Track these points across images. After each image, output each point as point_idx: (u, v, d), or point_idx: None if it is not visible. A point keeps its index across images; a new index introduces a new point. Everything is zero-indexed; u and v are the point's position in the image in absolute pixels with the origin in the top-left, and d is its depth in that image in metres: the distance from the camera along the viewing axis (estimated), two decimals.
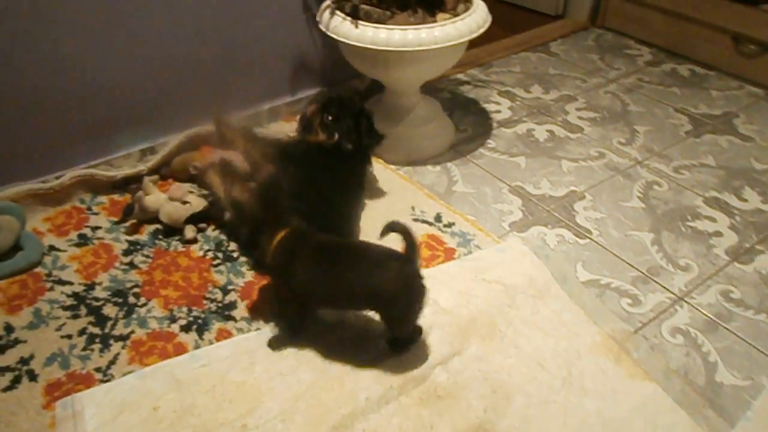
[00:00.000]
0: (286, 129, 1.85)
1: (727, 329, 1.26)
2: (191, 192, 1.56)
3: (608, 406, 1.13)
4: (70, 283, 1.40)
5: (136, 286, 1.40)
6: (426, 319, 1.27)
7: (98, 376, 1.20)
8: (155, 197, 1.55)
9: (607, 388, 1.17)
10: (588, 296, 1.35)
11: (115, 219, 1.57)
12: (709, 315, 1.30)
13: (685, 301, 1.32)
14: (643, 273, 1.40)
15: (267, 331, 1.27)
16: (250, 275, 1.41)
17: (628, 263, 1.43)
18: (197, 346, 1.25)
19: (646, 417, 1.12)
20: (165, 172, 1.68)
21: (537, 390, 1.16)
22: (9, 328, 1.30)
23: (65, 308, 1.34)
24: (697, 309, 1.31)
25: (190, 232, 1.52)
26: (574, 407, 1.13)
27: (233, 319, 1.31)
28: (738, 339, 1.24)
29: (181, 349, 1.25)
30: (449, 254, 1.46)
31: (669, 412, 1.12)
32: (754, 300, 1.33)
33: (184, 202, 1.53)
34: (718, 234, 1.51)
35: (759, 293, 1.34)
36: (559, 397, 1.15)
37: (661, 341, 1.24)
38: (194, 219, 1.53)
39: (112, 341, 1.27)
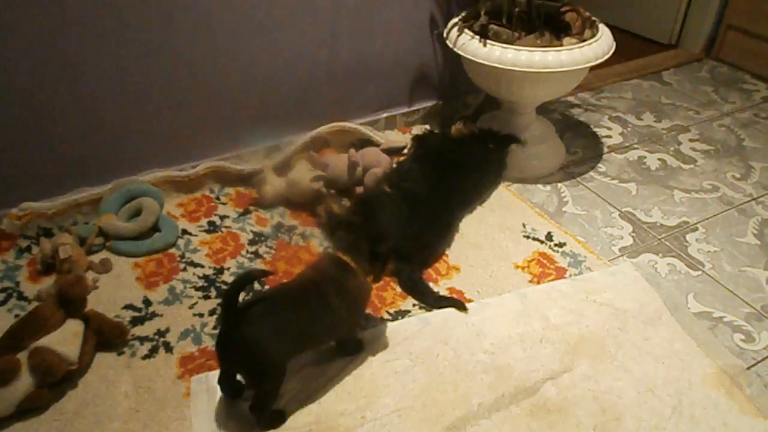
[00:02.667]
0: (401, 138, 1.98)
1: None
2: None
3: None
4: (201, 266, 1.55)
5: (263, 273, 1.53)
6: (536, 333, 1.34)
7: None
8: (274, 182, 1.72)
9: (718, 422, 1.19)
10: (700, 328, 1.37)
11: (241, 210, 1.72)
12: None
13: None
14: (756, 310, 1.41)
15: (382, 328, 1.36)
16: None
17: (741, 299, 1.44)
18: None
19: None
20: (285, 171, 1.82)
21: (648, 415, 1.20)
22: (147, 302, 1.45)
23: (197, 288, 1.49)
24: None
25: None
26: None
27: None
28: None
29: None
30: (560, 273, 1.52)
31: None
32: None
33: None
34: None
35: None
36: (669, 424, 1.18)
37: None
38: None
39: None
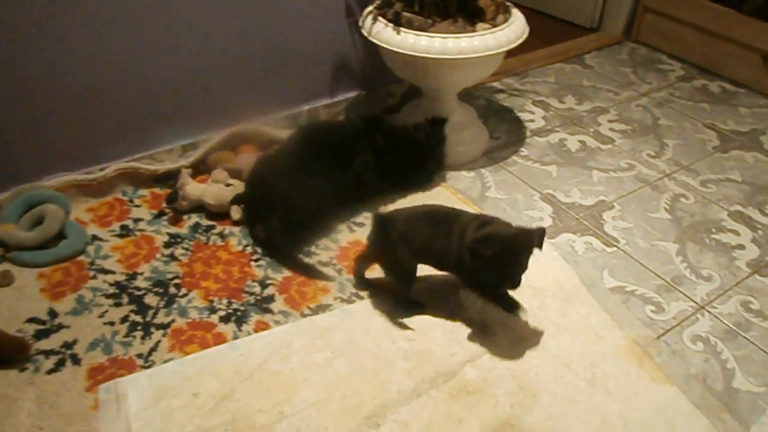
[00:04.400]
0: None
1: (746, 338, 1.38)
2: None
3: (630, 407, 1.25)
4: (113, 272, 1.55)
5: (177, 277, 1.54)
6: (458, 316, 1.41)
7: (139, 362, 1.33)
8: (195, 185, 1.71)
9: (629, 391, 1.29)
10: (614, 302, 1.47)
11: (156, 212, 1.72)
12: (729, 324, 1.41)
13: (707, 310, 1.44)
14: (667, 282, 1.52)
15: (303, 322, 1.41)
16: (288, 270, 1.56)
17: (653, 272, 1.54)
18: (236, 337, 1.39)
19: (666, 419, 1.23)
20: (202, 168, 1.83)
21: (563, 389, 1.28)
22: (53, 314, 1.44)
23: (108, 296, 1.48)
24: (718, 318, 1.42)
25: (236, 213, 1.68)
26: (597, 407, 1.25)
27: (271, 311, 1.45)
28: (755, 348, 1.35)
29: (220, 339, 1.38)
30: None
31: (688, 415, 1.24)
32: None
33: (228, 185, 1.70)
34: (741, 247, 1.63)
35: None
36: (584, 396, 1.27)
37: (682, 347, 1.35)
38: (238, 201, 1.69)
39: (153, 329, 1.41)
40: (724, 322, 1.41)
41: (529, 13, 1.86)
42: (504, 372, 1.31)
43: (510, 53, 1.78)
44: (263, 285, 1.52)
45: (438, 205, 1.53)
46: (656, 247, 1.62)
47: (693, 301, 1.46)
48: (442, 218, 1.40)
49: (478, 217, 1.39)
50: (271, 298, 1.48)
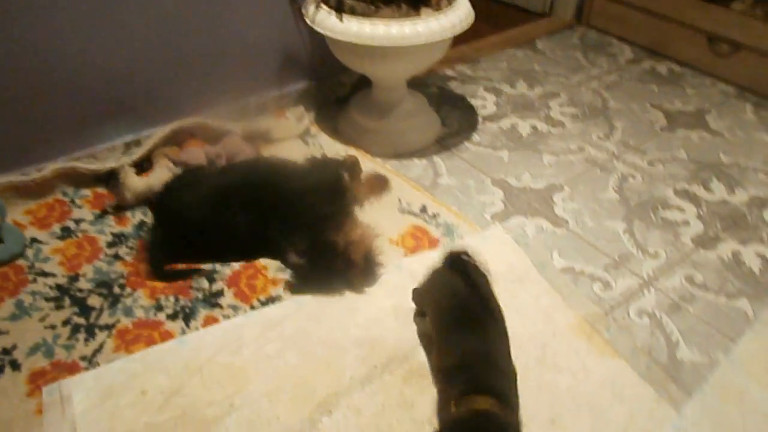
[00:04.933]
0: (275, 125, 2.02)
1: (689, 311, 1.44)
2: None
3: (579, 381, 1.30)
4: (53, 275, 1.53)
5: (122, 276, 1.53)
6: (409, 303, 1.43)
7: (83, 364, 1.32)
8: (140, 178, 1.71)
9: (578, 366, 1.33)
10: (564, 282, 1.52)
11: (99, 212, 1.71)
12: (674, 298, 1.47)
13: (653, 285, 1.50)
14: (614, 260, 1.57)
15: (253, 314, 1.41)
16: (237, 264, 1.56)
17: (601, 251, 1.60)
18: (184, 333, 1.39)
19: (614, 391, 1.28)
20: (146, 166, 1.82)
21: None
22: None
23: (48, 299, 1.47)
24: (663, 292, 1.48)
25: None
26: (547, 384, 1.29)
27: (220, 306, 1.45)
28: (699, 320, 1.42)
29: (167, 337, 1.38)
30: (433, 244, 1.62)
31: (635, 386, 1.29)
32: (715, 284, 1.51)
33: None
34: (686, 223, 1.70)
35: (720, 278, 1.53)
36: (534, 374, 1.31)
37: (629, 322, 1.41)
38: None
39: (97, 330, 1.39)
40: (669, 297, 1.47)
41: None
42: None
43: (460, 39, 1.81)
44: (211, 280, 1.52)
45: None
46: (604, 227, 1.68)
47: (639, 277, 1.52)
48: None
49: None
50: (219, 293, 1.48)
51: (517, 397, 1.13)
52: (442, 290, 1.27)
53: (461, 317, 1.19)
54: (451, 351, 1.18)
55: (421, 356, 1.33)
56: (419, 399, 1.26)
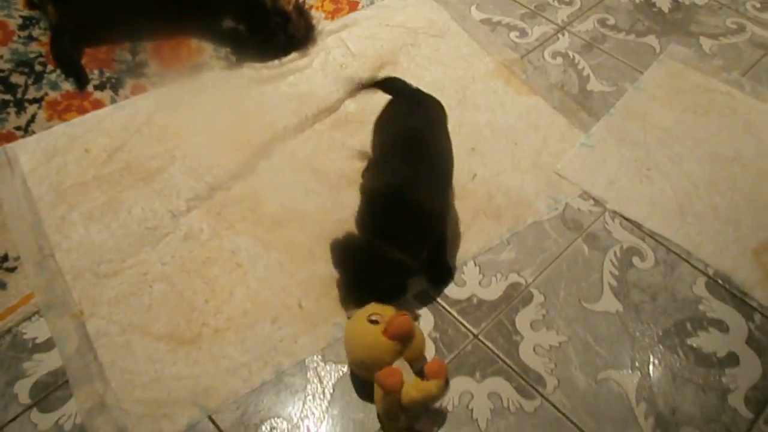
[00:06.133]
0: None
1: (600, 49, 1.61)
2: None
3: (497, 116, 1.47)
4: None
5: (41, 56, 1.56)
6: (336, 60, 1.55)
7: (20, 133, 1.40)
8: None
9: (496, 104, 1.50)
10: (483, 32, 1.64)
11: None
12: (586, 39, 1.63)
13: (567, 30, 1.65)
14: (531, 9, 1.70)
15: (186, 80, 1.50)
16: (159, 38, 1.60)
17: (518, 2, 1.72)
18: (114, 102, 1.47)
19: (529, 122, 1.46)
20: None
21: None
22: None
23: None
24: (576, 35, 1.64)
25: None
26: (467, 119, 1.46)
27: (146, 75, 1.53)
28: (608, 56, 1.59)
29: (99, 105, 1.46)
30: (353, 7, 1.70)
31: (548, 116, 1.47)
32: (626, 24, 1.67)
33: None
34: None
35: (631, 18, 1.69)
36: (455, 113, 1.46)
37: (543, 63, 1.57)
38: None
39: (26, 104, 1.46)
40: (582, 38, 1.63)
41: None
42: (381, 101, 1.48)
43: None
44: (134, 53, 1.57)
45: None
46: None
47: (554, 23, 1.66)
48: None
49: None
50: (144, 64, 1.55)
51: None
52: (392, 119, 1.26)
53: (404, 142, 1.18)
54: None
55: (350, 108, 1.47)
56: (349, 140, 1.41)
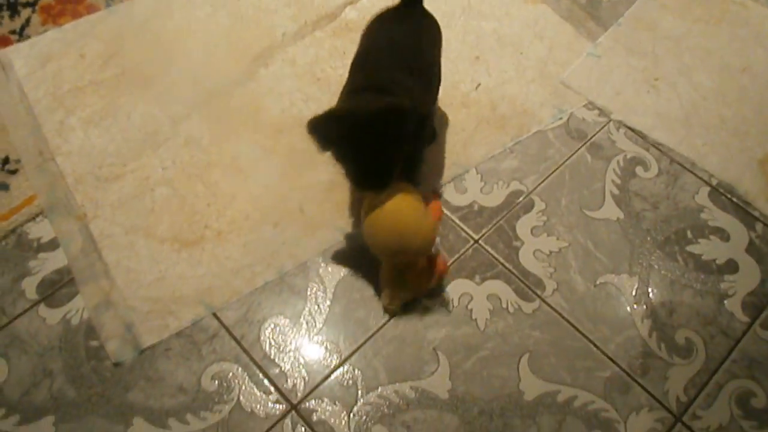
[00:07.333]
0: None
1: None
2: None
3: (503, 25, 1.43)
4: None
5: None
6: None
7: (14, 37, 1.37)
8: None
9: (502, 12, 1.45)
10: None
11: None
12: None
13: None
14: None
15: None
16: None
17: None
18: (109, 6, 1.43)
19: (536, 31, 1.42)
20: None
21: (439, 17, 1.40)
22: None
23: None
24: None
25: None
26: (472, 28, 1.42)
27: None
28: None
29: (93, 10, 1.42)
30: None
31: (555, 26, 1.43)
32: None
33: None
34: None
35: None
36: (460, 21, 1.43)
37: None
38: None
39: (20, 8, 1.42)
40: None
41: None
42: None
43: None
44: None
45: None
46: None
47: None
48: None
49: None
50: None
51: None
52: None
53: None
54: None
55: (350, 14, 1.42)
56: (351, 48, 1.35)
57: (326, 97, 1.28)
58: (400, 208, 0.97)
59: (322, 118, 0.93)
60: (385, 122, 0.92)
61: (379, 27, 1.12)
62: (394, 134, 0.93)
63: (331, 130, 0.93)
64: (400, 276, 1.02)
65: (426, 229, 0.97)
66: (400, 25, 1.10)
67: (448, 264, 1.08)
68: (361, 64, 1.09)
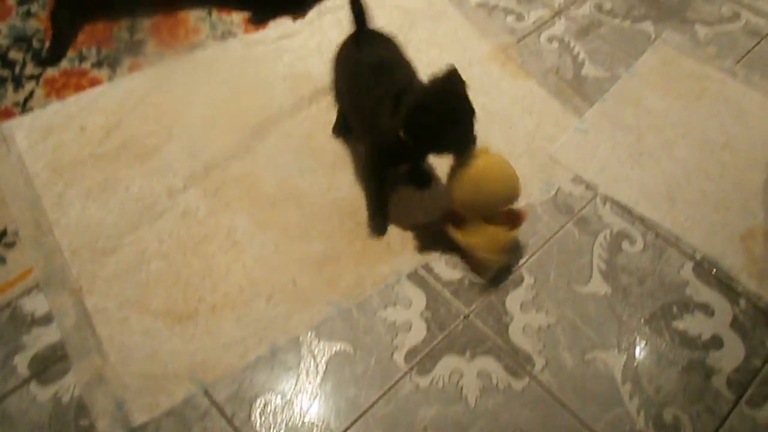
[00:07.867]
0: None
1: (596, 34, 1.62)
2: None
3: (493, 100, 1.48)
4: None
5: (38, 31, 1.56)
6: (331, 41, 1.52)
7: (17, 110, 1.41)
8: None
9: (492, 87, 1.51)
10: (479, 16, 1.65)
11: None
12: (582, 24, 1.64)
13: (563, 14, 1.66)
14: None
15: (181, 58, 1.51)
16: (156, 17, 1.60)
17: None
18: (111, 80, 1.48)
19: (524, 106, 1.47)
20: None
21: None
22: None
23: None
24: (572, 20, 1.65)
25: None
26: None
27: (144, 54, 1.53)
28: (604, 41, 1.60)
29: (96, 83, 1.47)
30: None
31: (543, 101, 1.48)
32: (622, 9, 1.69)
33: None
34: None
35: (627, 3, 1.70)
36: None
37: (539, 48, 1.58)
38: None
39: (24, 80, 1.46)
40: (577, 23, 1.64)
41: None
42: None
43: None
44: (132, 31, 1.58)
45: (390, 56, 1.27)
46: None
47: (551, 8, 1.67)
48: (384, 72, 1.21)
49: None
50: (142, 43, 1.55)
51: None
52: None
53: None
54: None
55: None
56: None
57: (321, 169, 1.32)
58: (500, 159, 1.16)
59: (411, 110, 1.07)
60: (458, 84, 1.15)
61: (354, 49, 1.28)
62: (465, 93, 1.15)
63: (428, 114, 1.08)
64: (493, 234, 1.14)
65: (516, 174, 1.15)
66: (370, 45, 1.27)
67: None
68: (358, 83, 1.22)
